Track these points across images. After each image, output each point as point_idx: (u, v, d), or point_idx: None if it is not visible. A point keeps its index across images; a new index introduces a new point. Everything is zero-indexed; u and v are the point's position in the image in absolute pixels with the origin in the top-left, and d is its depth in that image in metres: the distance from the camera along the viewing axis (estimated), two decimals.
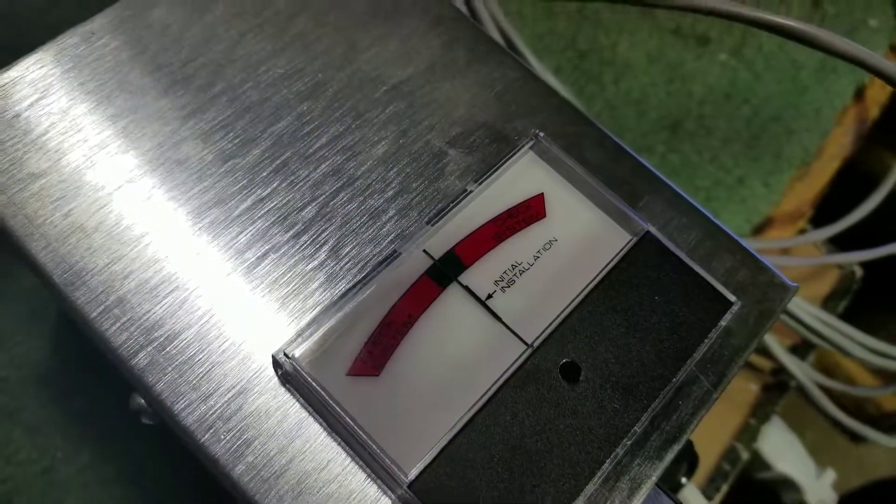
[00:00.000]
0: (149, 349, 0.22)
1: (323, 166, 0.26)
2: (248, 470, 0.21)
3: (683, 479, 0.33)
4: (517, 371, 0.23)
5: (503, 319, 0.24)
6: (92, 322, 0.22)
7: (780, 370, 0.48)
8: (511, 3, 0.50)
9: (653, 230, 0.25)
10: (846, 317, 0.50)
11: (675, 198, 0.27)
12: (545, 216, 0.26)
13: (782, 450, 0.49)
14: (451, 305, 0.24)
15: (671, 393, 0.24)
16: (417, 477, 0.21)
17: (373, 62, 0.28)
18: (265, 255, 0.24)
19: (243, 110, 0.26)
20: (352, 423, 0.21)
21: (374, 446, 0.21)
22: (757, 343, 0.26)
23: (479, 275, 0.24)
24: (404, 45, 0.29)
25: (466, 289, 0.24)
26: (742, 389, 0.48)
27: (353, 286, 0.23)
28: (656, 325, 0.24)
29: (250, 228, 0.24)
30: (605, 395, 0.23)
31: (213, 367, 0.22)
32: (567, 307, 0.24)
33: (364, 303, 0.23)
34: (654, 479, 0.23)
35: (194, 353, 0.22)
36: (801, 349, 0.49)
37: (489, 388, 0.22)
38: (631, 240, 0.25)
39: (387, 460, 0.21)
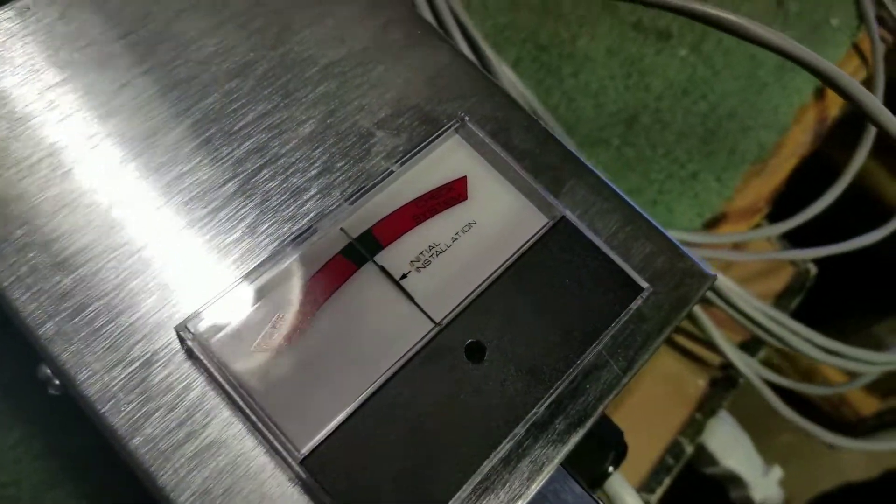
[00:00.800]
0: (57, 319, 0.22)
1: (247, 144, 0.26)
2: (145, 442, 0.21)
3: (610, 469, 0.34)
4: (422, 349, 0.23)
5: (414, 298, 0.24)
6: (3, 291, 0.23)
7: (728, 366, 0.48)
8: None
9: (569, 215, 0.26)
10: (799, 314, 0.50)
11: (598, 184, 0.28)
12: (467, 198, 0.26)
13: (729, 445, 0.50)
14: (365, 284, 0.24)
15: (579, 376, 0.24)
16: (310, 453, 0.21)
17: (306, 42, 0.29)
18: (182, 229, 0.24)
19: (171, 86, 0.27)
20: (248, 398, 0.21)
21: (268, 420, 0.21)
22: (671, 331, 0.26)
23: (396, 255, 0.25)
24: (340, 27, 0.29)
25: (381, 268, 0.24)
26: (690, 384, 0.48)
27: (265, 261, 0.23)
28: (565, 309, 0.24)
29: (169, 203, 0.25)
30: (509, 376, 0.23)
31: (120, 338, 0.23)
32: (478, 288, 0.24)
33: (275, 278, 0.23)
34: (556, 461, 0.23)
35: (102, 325, 0.23)
36: (751, 345, 0.49)
37: (392, 366, 0.23)
38: (547, 224, 0.25)
39: (281, 435, 0.21)
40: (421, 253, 0.25)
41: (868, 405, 0.77)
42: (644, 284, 0.25)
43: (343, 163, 0.26)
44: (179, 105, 0.26)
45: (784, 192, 0.54)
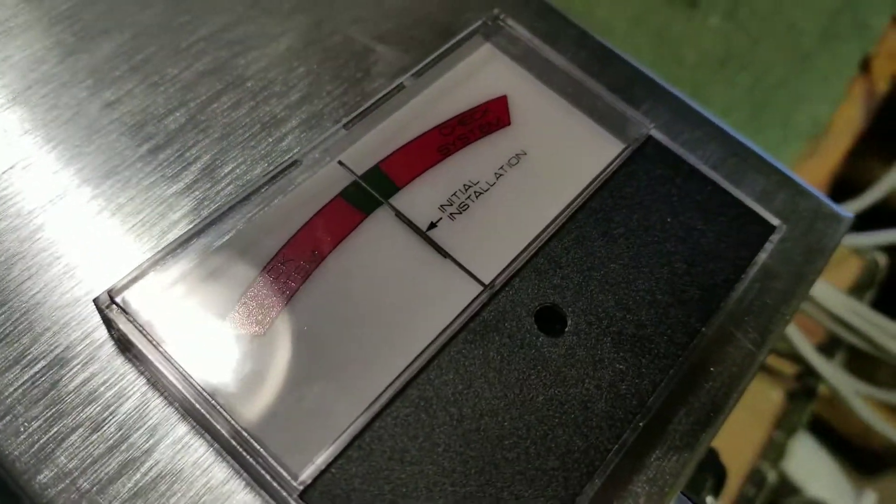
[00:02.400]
0: None
1: (199, 63, 0.19)
2: (56, 478, 0.13)
3: (709, 499, 0.25)
4: (471, 321, 0.15)
5: (451, 254, 0.16)
6: None
7: (803, 374, 0.40)
8: None
9: (657, 134, 0.18)
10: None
11: (683, 107, 0.21)
12: (510, 123, 0.19)
13: (812, 469, 0.41)
14: (377, 238, 0.16)
15: (697, 355, 0.16)
16: (313, 481, 0.13)
17: None
18: (109, 173, 0.17)
19: None
20: (216, 404, 0.13)
21: (248, 437, 0.13)
22: (807, 290, 0.19)
23: (418, 198, 0.17)
24: None
25: (400, 215, 0.17)
26: (763, 399, 0.40)
27: (231, 210, 0.16)
28: (670, 257, 0.17)
29: (93, 140, 0.17)
30: (604, 353, 0.15)
31: (17, 324, 0.15)
32: (542, 236, 0.16)
33: (246, 231, 0.16)
34: (682, 478, 0.15)
35: None
36: (826, 348, 0.42)
37: (427, 347, 0.15)
38: (627, 148, 0.18)
39: (269, 458, 0.13)
40: (454, 195, 0.17)
41: None
42: (775, 221, 0.17)
43: (333, 86, 0.19)
44: (107, 19, 0.19)
45: (843, 174, 0.47)
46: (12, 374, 0.14)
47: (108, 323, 0.14)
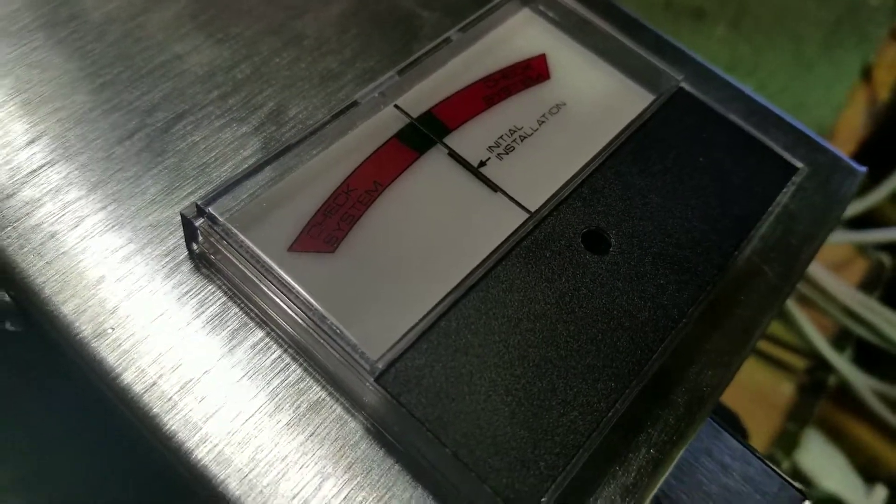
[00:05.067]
0: (17, 227, 0.16)
1: (260, 24, 0.20)
2: (138, 378, 0.14)
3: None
4: (522, 241, 0.16)
5: (501, 187, 0.18)
6: None
7: (814, 368, 0.42)
8: None
9: (687, 86, 0.20)
10: None
11: (705, 71, 0.22)
12: (549, 78, 0.20)
13: (824, 464, 0.42)
14: (432, 173, 0.18)
15: (732, 279, 0.18)
16: (387, 367, 0.14)
17: None
18: (180, 116, 0.18)
19: None
20: (297, 299, 0.15)
21: (326, 328, 0.14)
22: (827, 234, 0.20)
23: (469, 139, 0.18)
24: None
25: (453, 154, 0.18)
26: (774, 392, 0.41)
27: (300, 141, 0.17)
28: (703, 191, 0.18)
29: (161, 87, 0.18)
30: (646, 269, 0.16)
31: (100, 245, 0.16)
32: (583, 172, 0.18)
33: (314, 165, 0.17)
34: (718, 392, 0.16)
35: (72, 226, 0.16)
36: (836, 343, 0.43)
37: (484, 262, 0.16)
38: (659, 97, 0.19)
39: (347, 346, 0.14)
40: (500, 137, 0.19)
41: None
42: (798, 163, 0.19)
43: (384, 45, 0.21)
44: None
45: None
46: (103, 291, 0.15)
47: (193, 235, 0.16)
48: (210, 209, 0.15)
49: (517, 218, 0.17)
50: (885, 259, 0.47)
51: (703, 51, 0.44)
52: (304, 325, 0.14)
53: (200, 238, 0.15)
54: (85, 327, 0.15)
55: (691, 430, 0.16)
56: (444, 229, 0.17)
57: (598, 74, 0.20)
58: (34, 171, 0.17)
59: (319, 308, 0.14)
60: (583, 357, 0.15)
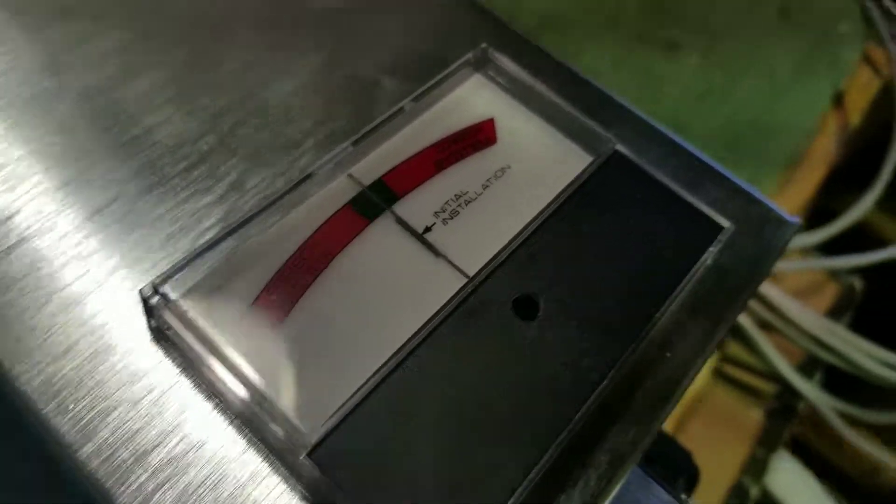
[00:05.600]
0: None
1: (228, 95, 0.22)
2: (99, 451, 0.16)
3: (683, 496, 0.28)
4: (457, 308, 0.18)
5: (443, 253, 0.19)
6: None
7: (783, 393, 0.43)
8: None
9: (622, 149, 0.21)
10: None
11: (647, 127, 0.23)
12: (496, 141, 0.22)
13: (794, 486, 0.43)
14: (380, 240, 0.19)
15: (655, 339, 0.19)
16: (320, 441, 0.15)
17: None
18: (149, 189, 0.20)
19: (143, 37, 0.23)
20: (237, 377, 0.16)
21: (265, 404, 0.16)
22: (756, 287, 0.21)
23: (416, 205, 0.20)
24: None
25: (400, 220, 0.19)
26: (745, 417, 0.42)
27: (254, 216, 0.19)
28: (631, 253, 0.19)
29: (133, 160, 0.20)
30: (572, 334, 0.18)
31: (67, 319, 0.17)
32: (519, 236, 0.19)
33: (270, 234, 0.19)
34: (641, 448, 0.18)
35: (42, 304, 0.17)
36: (805, 367, 0.44)
37: (418, 330, 0.17)
38: (595, 160, 0.21)
39: (283, 421, 0.16)
40: (446, 203, 0.20)
41: None
42: (725, 222, 0.20)
43: (345, 111, 0.22)
44: (149, 57, 0.22)
45: (818, 204, 0.50)
46: (63, 361, 0.17)
47: (150, 312, 0.17)
48: (164, 288, 0.17)
49: (456, 283, 0.18)
50: (857, 283, 0.48)
51: (677, 82, 0.46)
52: (246, 399, 0.16)
53: (156, 314, 0.17)
54: (47, 400, 0.16)
55: (612, 488, 0.17)
56: (388, 296, 0.18)
57: (541, 137, 0.22)
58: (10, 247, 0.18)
59: (259, 384, 0.16)
60: (505, 426, 0.16)
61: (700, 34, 0.49)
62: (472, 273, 0.19)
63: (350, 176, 0.20)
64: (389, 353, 0.17)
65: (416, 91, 0.22)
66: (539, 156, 0.21)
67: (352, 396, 0.16)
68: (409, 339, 0.17)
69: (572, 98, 0.23)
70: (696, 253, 0.20)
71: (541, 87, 0.22)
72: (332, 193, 0.20)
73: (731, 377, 0.42)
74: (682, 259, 0.19)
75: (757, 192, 0.23)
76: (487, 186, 0.21)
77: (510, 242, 0.19)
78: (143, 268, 0.18)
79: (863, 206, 0.46)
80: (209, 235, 0.19)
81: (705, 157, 0.23)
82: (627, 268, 0.19)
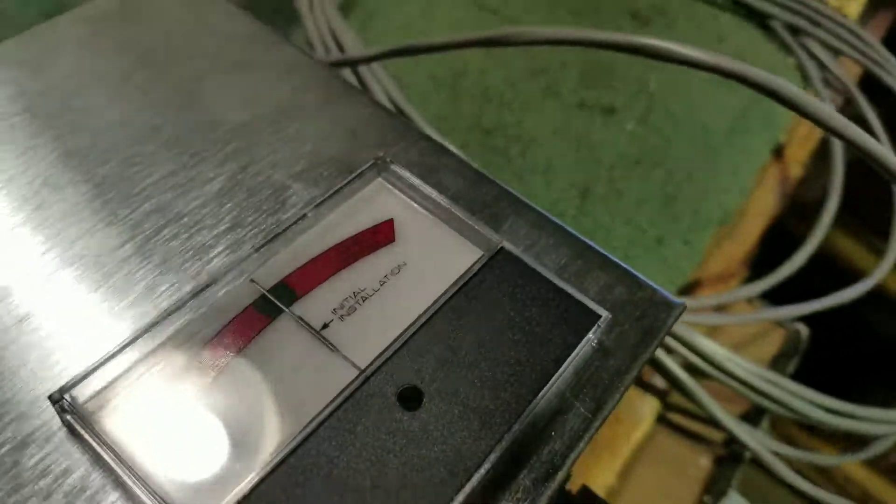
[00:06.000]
0: None
1: (146, 205, 0.24)
2: None
3: None
4: (347, 400, 0.19)
5: (338, 348, 0.21)
6: None
7: (731, 440, 0.44)
8: (412, 90, 0.50)
9: (508, 245, 0.23)
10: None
11: (540, 219, 0.25)
12: (394, 240, 0.23)
13: None
14: (280, 337, 0.21)
15: (539, 422, 0.21)
16: None
17: (214, 108, 0.27)
18: (69, 297, 0.21)
19: (66, 155, 0.25)
20: (136, 473, 0.18)
21: (166, 495, 0.17)
22: (640, 367, 0.23)
23: (316, 304, 0.22)
24: (254, 88, 0.28)
25: (299, 319, 0.21)
26: (692, 465, 0.43)
27: (160, 320, 0.20)
28: (512, 345, 0.21)
29: (57, 272, 0.22)
30: (452, 423, 0.19)
31: None
32: (409, 329, 0.21)
33: (172, 339, 0.20)
34: None
35: None
36: (752, 416, 0.45)
37: (311, 421, 0.19)
38: (483, 256, 0.23)
39: None
40: (345, 300, 0.22)
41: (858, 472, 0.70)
42: (601, 312, 0.22)
43: (254, 217, 0.24)
44: (73, 174, 0.24)
45: (761, 255, 0.52)
46: None
47: (60, 412, 0.19)
48: (68, 394, 0.18)
49: (348, 375, 0.20)
50: (802, 330, 0.50)
51: (614, 147, 0.48)
52: (145, 497, 0.17)
53: (63, 416, 0.18)
54: None
55: None
56: (285, 390, 0.20)
57: (435, 236, 0.24)
58: None
59: (157, 481, 0.17)
60: None
61: (638, 97, 0.52)
62: (363, 366, 0.20)
63: (252, 280, 0.22)
64: (281, 446, 0.18)
65: (321, 197, 0.24)
66: (432, 253, 0.23)
67: (241, 485, 0.18)
68: (301, 431, 0.19)
69: (473, 193, 0.25)
70: (573, 341, 0.21)
71: (433, 192, 0.24)
72: (234, 297, 0.21)
73: (677, 425, 0.44)
74: (559, 347, 0.21)
75: (643, 277, 0.24)
76: (384, 283, 0.22)
77: (401, 335, 0.21)
78: (57, 370, 0.20)
79: (802, 256, 0.48)
80: (120, 336, 0.21)
81: (595, 245, 0.25)
82: (508, 357, 0.21)
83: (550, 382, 0.20)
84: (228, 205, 0.24)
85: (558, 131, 0.49)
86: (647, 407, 0.41)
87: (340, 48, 0.46)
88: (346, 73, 0.45)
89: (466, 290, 0.22)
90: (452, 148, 0.27)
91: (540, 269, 0.23)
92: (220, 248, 0.23)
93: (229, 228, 0.23)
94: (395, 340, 0.21)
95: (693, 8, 0.59)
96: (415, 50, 0.34)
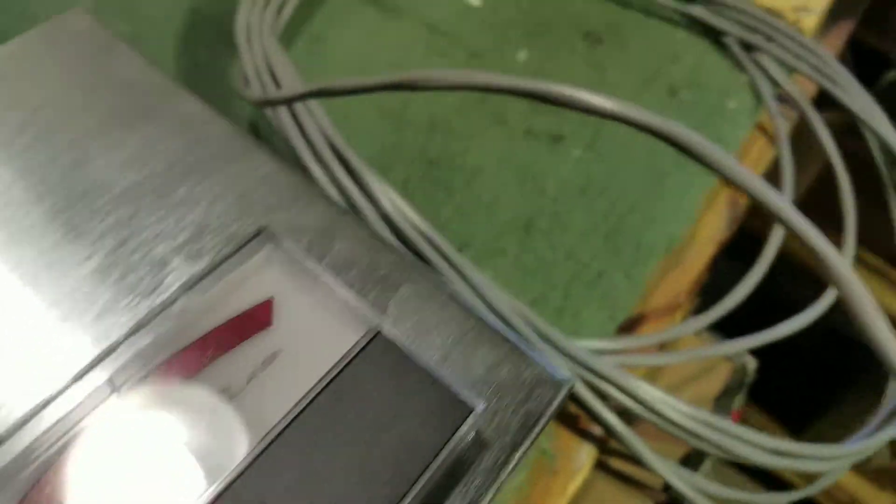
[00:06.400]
0: None
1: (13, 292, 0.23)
2: None
3: None
4: None
5: (194, 458, 0.20)
6: None
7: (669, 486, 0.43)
8: (357, 119, 0.49)
9: (388, 329, 0.22)
10: (747, 415, 0.46)
11: (432, 291, 0.24)
12: (271, 324, 0.23)
13: None
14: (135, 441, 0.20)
15: None
16: None
17: (102, 170, 0.26)
18: None
19: None
20: None
21: None
22: (522, 456, 0.22)
23: None
24: (142, 149, 0.27)
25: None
26: None
27: (15, 429, 0.19)
28: (381, 439, 0.20)
29: None
30: None
31: None
32: (267, 438, 0.20)
33: (34, 441, 0.19)
34: None
35: None
36: (694, 457, 0.45)
37: None
38: (357, 343, 0.22)
39: None
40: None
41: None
42: (474, 403, 0.21)
43: (128, 300, 0.23)
44: None
45: (710, 282, 0.51)
46: None
47: None
48: None
49: (200, 488, 0.19)
50: (749, 362, 0.49)
51: (559, 175, 0.47)
52: None
53: None
54: None
55: None
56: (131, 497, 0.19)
57: (316, 318, 0.23)
58: None
59: None
60: None
61: (585, 123, 0.51)
62: (218, 480, 0.19)
63: (110, 380, 0.21)
64: None
65: (199, 275, 0.23)
66: (310, 337, 0.22)
67: None
68: None
69: (368, 259, 0.25)
70: (445, 435, 0.20)
71: (317, 265, 0.23)
72: (89, 398, 0.20)
73: (617, 470, 0.43)
74: (431, 442, 0.20)
75: (531, 353, 0.24)
76: (252, 379, 0.21)
77: (257, 445, 0.20)
78: None
79: (747, 286, 0.47)
80: None
81: (491, 320, 0.24)
82: (377, 454, 0.20)
83: (424, 477, 0.20)
84: (101, 287, 0.23)
85: (503, 160, 0.48)
86: (585, 454, 0.41)
87: (277, 83, 0.44)
88: (282, 110, 0.44)
89: (336, 384, 0.21)
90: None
91: (418, 354, 0.22)
92: (89, 338, 0.22)
93: (98, 316, 0.23)
94: (249, 453, 0.20)
95: (646, 27, 0.57)
96: (328, 92, 0.33)
